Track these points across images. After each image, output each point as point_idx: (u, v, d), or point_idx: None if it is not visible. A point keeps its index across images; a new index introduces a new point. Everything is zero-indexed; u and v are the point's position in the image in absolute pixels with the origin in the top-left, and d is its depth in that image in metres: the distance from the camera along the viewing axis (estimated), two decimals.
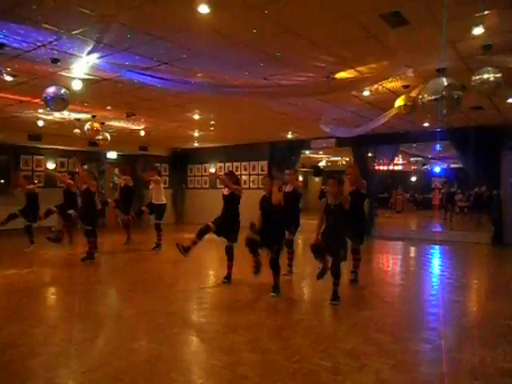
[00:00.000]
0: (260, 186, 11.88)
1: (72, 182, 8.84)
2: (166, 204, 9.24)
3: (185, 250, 5.99)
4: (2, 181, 11.94)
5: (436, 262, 8.64)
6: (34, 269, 7.12)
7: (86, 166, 13.62)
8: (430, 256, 9.40)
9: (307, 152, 15.31)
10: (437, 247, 10.36)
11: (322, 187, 5.78)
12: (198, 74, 6.16)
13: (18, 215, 8.66)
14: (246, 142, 14.10)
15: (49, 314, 4.97)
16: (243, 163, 14.82)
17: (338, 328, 4.45)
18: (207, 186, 15.56)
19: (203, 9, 4.02)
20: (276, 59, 5.44)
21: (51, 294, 5.94)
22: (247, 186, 13.96)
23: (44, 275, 6.83)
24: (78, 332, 4.15)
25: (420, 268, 7.95)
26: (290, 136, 12.65)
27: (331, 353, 3.63)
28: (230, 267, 6.21)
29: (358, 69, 5.88)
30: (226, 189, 6.24)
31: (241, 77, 6.27)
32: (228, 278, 6.19)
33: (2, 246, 9.70)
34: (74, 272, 7.03)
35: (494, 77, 4.96)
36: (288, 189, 6.60)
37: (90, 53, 5.21)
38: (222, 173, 14.03)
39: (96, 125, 8.92)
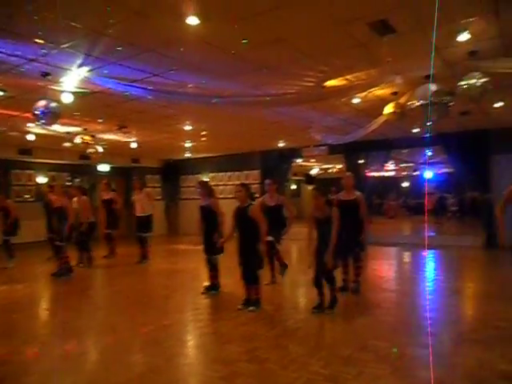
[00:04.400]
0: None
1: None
2: (150, 215, 9.01)
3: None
4: None
5: (430, 267, 8.67)
6: (23, 285, 7.03)
7: (77, 180, 13.59)
8: (424, 261, 9.43)
9: (299, 160, 15.37)
10: (430, 252, 10.40)
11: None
12: (189, 85, 6.19)
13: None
14: (238, 152, 14.14)
15: (41, 330, 4.90)
16: (236, 173, 14.83)
17: (335, 336, 4.43)
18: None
19: (192, 20, 4.05)
20: (267, 69, 5.48)
21: (42, 310, 5.86)
22: None
23: (33, 291, 6.75)
24: (72, 348, 4.09)
25: (414, 273, 7.97)
26: (281, 145, 12.71)
27: (329, 361, 3.61)
28: (212, 277, 6.12)
29: (348, 77, 5.95)
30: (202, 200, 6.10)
31: (232, 87, 6.31)
32: (210, 288, 6.12)
33: None
34: (64, 287, 6.96)
35: (481, 82, 5.04)
36: (269, 202, 6.45)
37: (80, 66, 5.21)
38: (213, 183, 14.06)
39: (87, 138, 8.89)
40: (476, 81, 5.06)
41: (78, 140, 8.76)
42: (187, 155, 14.76)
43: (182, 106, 7.23)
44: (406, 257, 10.31)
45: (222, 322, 4.83)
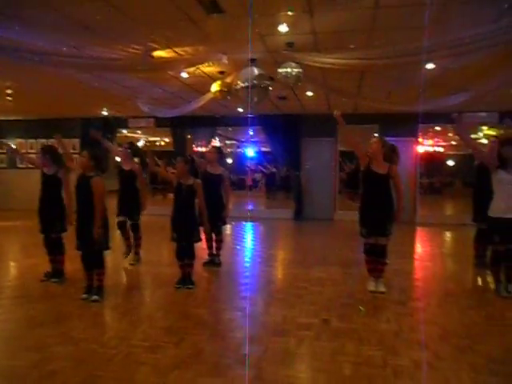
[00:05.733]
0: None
1: None
2: None
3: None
4: None
5: (249, 238, 9.46)
6: None
7: None
8: (244, 232, 10.22)
9: (124, 131, 14.65)
10: (250, 224, 11.30)
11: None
12: None
13: None
14: (53, 117, 12.65)
15: None
16: (50, 140, 13.25)
17: (157, 307, 4.49)
18: (5, 165, 13.46)
19: None
20: (90, 29, 5.01)
21: None
22: None
23: None
24: None
25: (234, 244, 8.57)
26: (105, 113, 11.90)
27: (150, 332, 3.65)
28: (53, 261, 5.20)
29: (177, 50, 5.89)
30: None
31: (47, 43, 5.56)
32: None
33: None
34: None
35: (296, 71, 5.63)
36: (124, 166, 6.19)
37: None
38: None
39: None
40: (291, 70, 5.64)
41: None
42: None
43: None
44: (227, 229, 10.97)
45: (31, 305, 4.35)
